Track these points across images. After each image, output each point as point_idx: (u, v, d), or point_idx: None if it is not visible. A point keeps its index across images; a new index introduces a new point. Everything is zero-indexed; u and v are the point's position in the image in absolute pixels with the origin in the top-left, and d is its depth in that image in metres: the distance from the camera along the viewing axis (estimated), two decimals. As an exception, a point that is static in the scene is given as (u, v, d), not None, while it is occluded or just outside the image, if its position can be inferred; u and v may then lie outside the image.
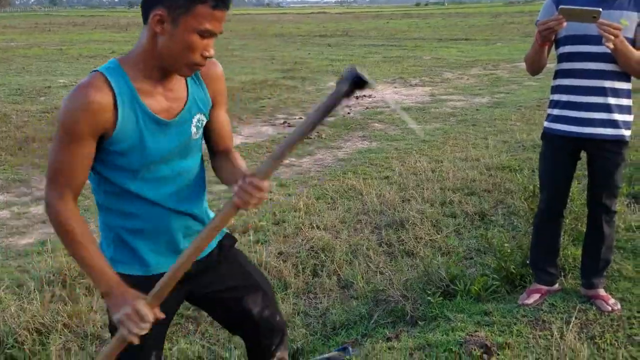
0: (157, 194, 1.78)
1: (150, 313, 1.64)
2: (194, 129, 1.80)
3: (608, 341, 2.87)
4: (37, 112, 10.02)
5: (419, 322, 3.59)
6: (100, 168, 1.73)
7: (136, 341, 1.63)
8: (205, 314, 3.58)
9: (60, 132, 1.61)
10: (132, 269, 1.82)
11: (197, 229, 1.85)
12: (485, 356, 2.82)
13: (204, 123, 1.85)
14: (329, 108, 1.47)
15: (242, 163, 1.88)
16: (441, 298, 3.70)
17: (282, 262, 4.39)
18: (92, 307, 3.67)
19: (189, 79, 1.78)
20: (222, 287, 2.00)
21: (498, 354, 2.82)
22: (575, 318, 3.06)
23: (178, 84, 1.76)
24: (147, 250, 1.82)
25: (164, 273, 1.67)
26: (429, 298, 3.69)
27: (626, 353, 2.74)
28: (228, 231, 2.05)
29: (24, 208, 5.87)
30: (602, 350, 2.80)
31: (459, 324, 3.26)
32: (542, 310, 3.23)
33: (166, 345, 3.47)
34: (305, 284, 4.16)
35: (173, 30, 1.58)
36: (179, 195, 1.82)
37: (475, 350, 2.85)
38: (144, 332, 1.64)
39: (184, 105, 1.77)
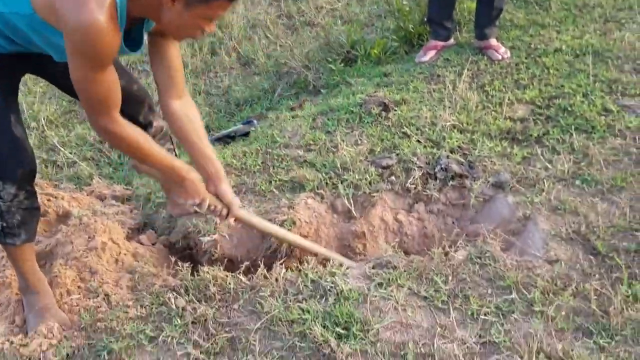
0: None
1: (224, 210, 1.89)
2: None
3: (496, 87, 3.02)
4: None
5: (322, 91, 3.63)
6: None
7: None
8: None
9: (91, 61, 1.49)
10: None
11: None
12: (383, 113, 2.92)
13: None
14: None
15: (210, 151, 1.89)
16: (342, 65, 3.71)
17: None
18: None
19: None
20: None
21: (395, 110, 2.92)
22: (467, 70, 3.17)
23: None
24: None
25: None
26: (330, 66, 3.68)
27: (512, 96, 2.91)
28: None
29: None
30: (490, 97, 2.96)
31: (359, 87, 3.32)
32: (437, 65, 3.31)
33: (63, 131, 3.37)
34: (204, 64, 4.03)
35: (184, 12, 1.52)
36: None
37: (374, 108, 2.94)
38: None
39: None
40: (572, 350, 1.68)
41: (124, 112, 2.01)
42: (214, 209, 1.87)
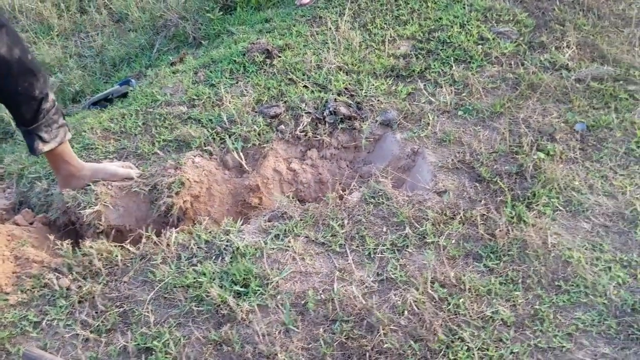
0: None
1: None
2: None
3: (378, 25, 2.99)
4: None
5: (203, 42, 3.45)
6: None
7: None
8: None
9: None
10: None
11: None
12: (267, 60, 2.82)
13: None
14: None
15: None
16: (221, 13, 3.54)
17: (39, 3, 3.79)
18: None
19: None
20: None
21: (279, 56, 2.83)
22: (349, 9, 3.12)
23: None
24: None
25: None
26: (209, 15, 3.50)
27: (394, 33, 2.89)
28: None
29: None
30: (373, 35, 2.93)
31: (241, 35, 3.18)
32: (318, 7, 3.23)
33: None
34: (73, 24, 3.70)
35: None
36: None
37: (257, 56, 2.83)
38: None
39: None
40: (464, 275, 1.74)
41: (18, 86, 1.82)
42: None
